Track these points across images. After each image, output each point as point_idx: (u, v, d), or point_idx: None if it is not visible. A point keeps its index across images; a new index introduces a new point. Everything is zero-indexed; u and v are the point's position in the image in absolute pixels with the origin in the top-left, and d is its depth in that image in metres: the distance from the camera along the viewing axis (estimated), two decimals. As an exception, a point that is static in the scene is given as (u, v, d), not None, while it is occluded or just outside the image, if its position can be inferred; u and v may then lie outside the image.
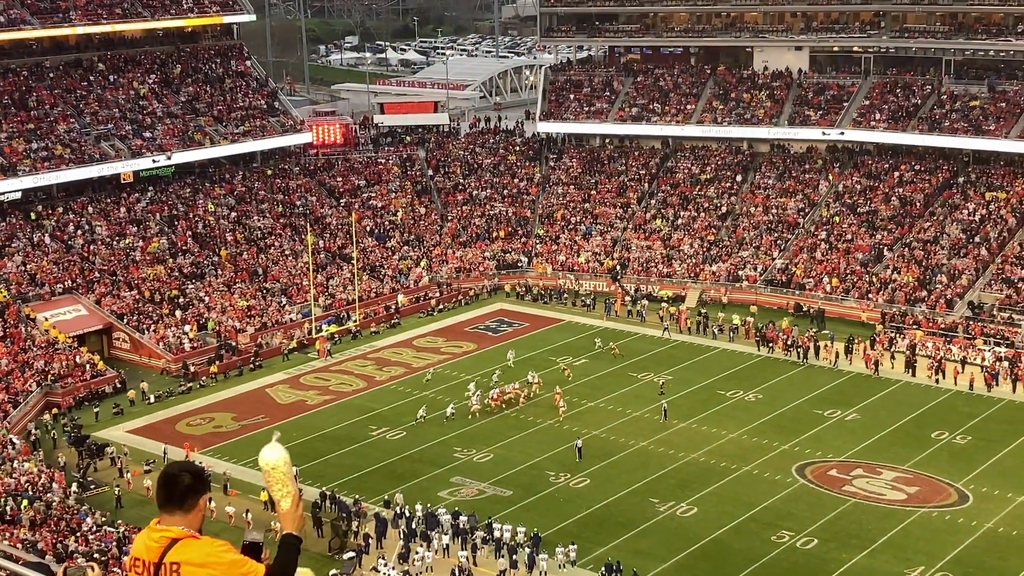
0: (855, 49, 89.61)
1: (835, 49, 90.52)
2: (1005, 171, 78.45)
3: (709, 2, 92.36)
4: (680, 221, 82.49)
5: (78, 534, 42.88)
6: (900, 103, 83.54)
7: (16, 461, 49.99)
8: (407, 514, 46.91)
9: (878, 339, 66.36)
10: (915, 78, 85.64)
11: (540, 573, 43.45)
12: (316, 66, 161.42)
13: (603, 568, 42.48)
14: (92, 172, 74.65)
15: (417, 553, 44.31)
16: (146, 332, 66.80)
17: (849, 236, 77.19)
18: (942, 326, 67.24)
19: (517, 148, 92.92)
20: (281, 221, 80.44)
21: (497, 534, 45.29)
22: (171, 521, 5.89)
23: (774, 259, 77.24)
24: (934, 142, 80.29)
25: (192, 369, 64.44)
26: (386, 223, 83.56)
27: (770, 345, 67.14)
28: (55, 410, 59.50)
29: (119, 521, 45.91)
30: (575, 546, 44.31)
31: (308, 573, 6.14)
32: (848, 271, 74.15)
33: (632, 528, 46.79)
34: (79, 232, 72.84)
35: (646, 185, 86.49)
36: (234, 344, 67.38)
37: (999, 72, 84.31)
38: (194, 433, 57.22)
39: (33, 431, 56.36)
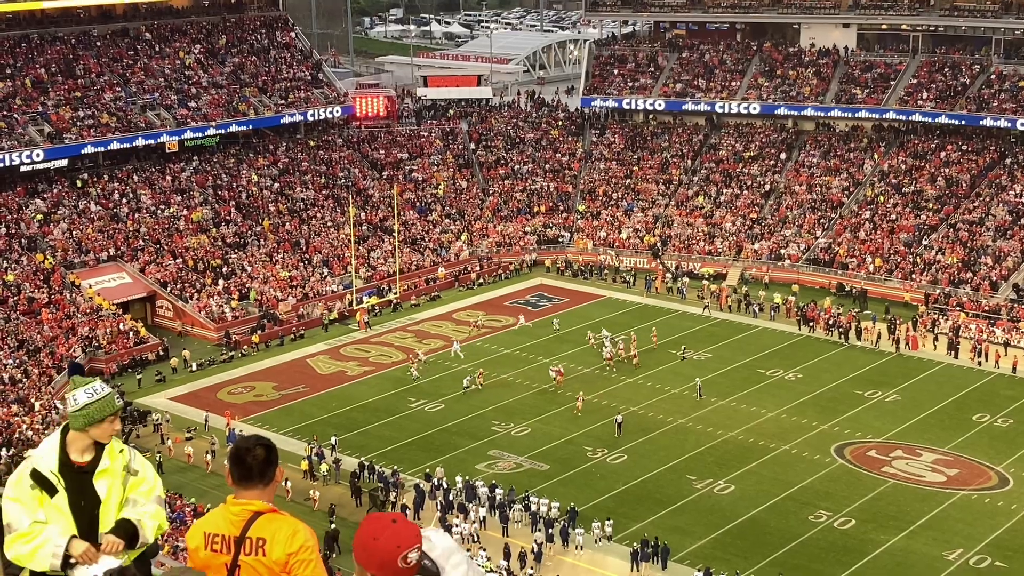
0: (903, 27, 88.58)
1: (883, 27, 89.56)
2: (1054, 152, 77.48)
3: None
4: (722, 198, 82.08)
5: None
6: (948, 82, 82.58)
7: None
8: (445, 486, 47.18)
9: (921, 320, 65.87)
10: (964, 57, 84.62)
11: (575, 547, 43.63)
12: (360, 38, 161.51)
13: (638, 543, 42.59)
14: (138, 141, 75.19)
15: (456, 525, 44.58)
16: (189, 301, 67.38)
17: (893, 216, 76.54)
18: (986, 308, 66.62)
19: (560, 123, 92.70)
20: (323, 192, 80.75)
21: (533, 508, 45.48)
22: (249, 495, 5.78)
23: (817, 238, 76.73)
24: (982, 121, 79.33)
25: (234, 338, 64.96)
26: (428, 196, 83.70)
27: (811, 324, 66.81)
28: (99, 377, 60.07)
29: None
30: (611, 521, 44.43)
31: None
32: (892, 251, 73.56)
33: (669, 505, 46.83)
34: (124, 201, 73.46)
35: (689, 162, 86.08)
36: (276, 314, 67.83)
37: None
38: (235, 401, 57.73)
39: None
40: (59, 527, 6.03)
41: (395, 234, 75.10)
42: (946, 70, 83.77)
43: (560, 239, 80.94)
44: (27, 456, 6.34)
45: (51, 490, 6.08)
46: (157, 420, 54.49)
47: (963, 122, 79.99)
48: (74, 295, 65.00)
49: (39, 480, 6.11)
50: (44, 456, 6.21)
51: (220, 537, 5.70)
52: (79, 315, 63.50)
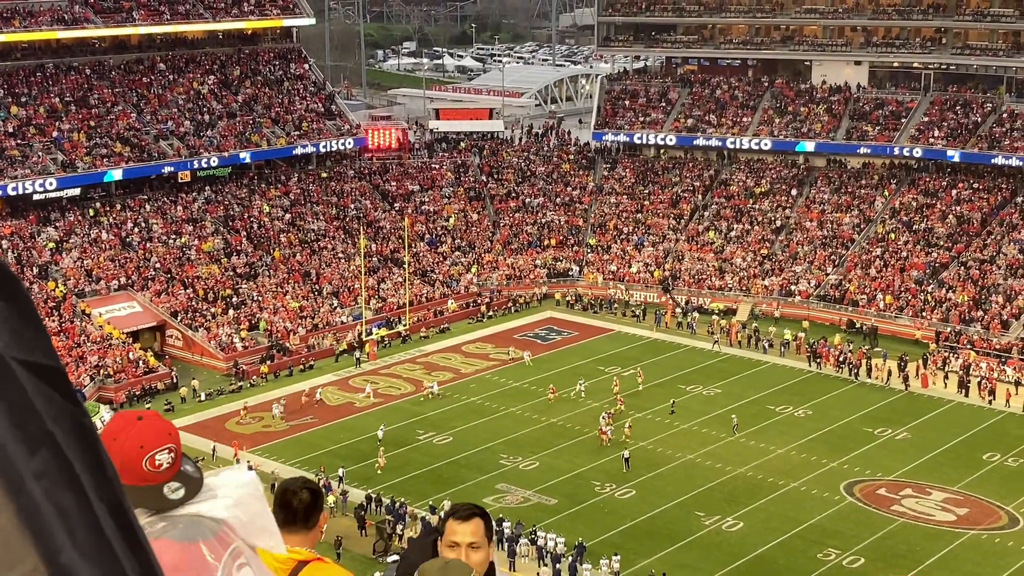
0: (915, 65, 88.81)
1: (895, 65, 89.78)
2: (1065, 192, 77.43)
3: (768, 14, 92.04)
4: (733, 234, 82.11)
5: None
6: (959, 120, 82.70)
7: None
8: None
9: (932, 358, 65.70)
10: (975, 96, 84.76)
11: (583, 583, 43.40)
12: (373, 71, 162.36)
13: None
14: (151, 170, 75.55)
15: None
16: (199, 330, 67.48)
17: (904, 253, 76.49)
18: (996, 347, 66.43)
19: (571, 156, 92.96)
20: (335, 224, 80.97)
21: (540, 542, 45.30)
22: (292, 541, 5.65)
23: (828, 274, 76.67)
24: (993, 160, 79.33)
25: (243, 368, 64.99)
26: (438, 228, 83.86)
27: (820, 361, 66.66)
28: (108, 405, 60.18)
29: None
30: (619, 557, 44.22)
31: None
32: (902, 288, 73.46)
33: (677, 541, 46.61)
34: (136, 230, 73.73)
35: (700, 196, 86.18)
36: (285, 344, 67.89)
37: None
38: (243, 432, 57.71)
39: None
40: None
41: (405, 266, 75.24)
42: (958, 108, 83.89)
43: (570, 272, 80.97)
44: None
45: None
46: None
47: (974, 160, 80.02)
48: (84, 324, 65.14)
49: None
50: None
51: None
52: (89, 343, 63.61)
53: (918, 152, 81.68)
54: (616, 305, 77.25)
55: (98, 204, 74.19)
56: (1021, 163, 78.05)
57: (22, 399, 2.05)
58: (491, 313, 75.98)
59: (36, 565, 1.98)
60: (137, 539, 2.13)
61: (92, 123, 76.11)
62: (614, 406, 59.03)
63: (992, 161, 79.38)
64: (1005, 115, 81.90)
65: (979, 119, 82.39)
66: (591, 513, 49.02)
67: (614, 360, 67.48)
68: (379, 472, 52.85)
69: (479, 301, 76.71)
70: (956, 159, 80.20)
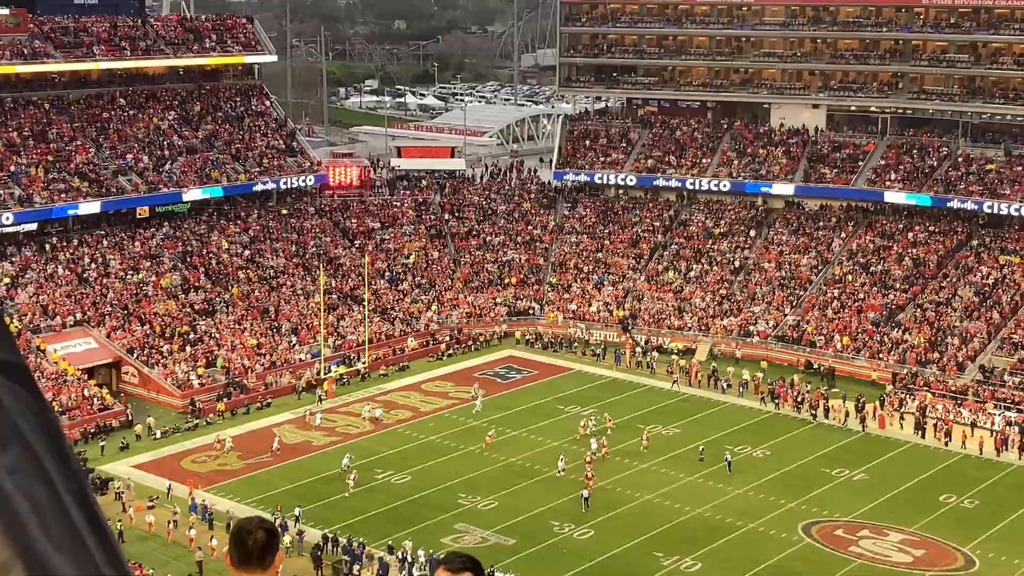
0: (872, 109, 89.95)
1: (852, 108, 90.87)
2: (1019, 235, 78.37)
3: (727, 58, 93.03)
4: (692, 274, 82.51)
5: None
6: (916, 164, 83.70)
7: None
8: (410, 559, 46.68)
9: (888, 400, 66.09)
10: (931, 139, 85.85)
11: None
12: (336, 108, 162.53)
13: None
14: (109, 206, 75.07)
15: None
16: (155, 367, 66.87)
17: (861, 295, 77.08)
18: (952, 388, 66.94)
19: (532, 195, 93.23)
20: (294, 260, 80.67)
21: (499, 583, 45.02)
22: None
23: (786, 315, 77.12)
24: (949, 204, 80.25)
25: (199, 406, 64.41)
26: (399, 266, 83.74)
27: (776, 402, 66.91)
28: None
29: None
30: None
31: None
32: (859, 330, 73.96)
33: (635, 582, 46.41)
34: (93, 265, 73.13)
35: (659, 236, 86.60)
36: (243, 382, 67.38)
37: (1015, 136, 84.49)
38: (199, 470, 57.10)
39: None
40: None
41: (365, 303, 74.98)
42: (914, 152, 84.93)
43: (531, 311, 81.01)
44: None
45: None
46: (119, 488, 53.77)
47: (931, 204, 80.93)
48: (39, 360, 64.40)
49: None
50: None
51: None
52: (44, 380, 62.84)
53: (899, 198, 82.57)
54: (576, 344, 77.29)
55: (55, 239, 73.57)
56: (976, 207, 79.02)
57: None
58: (451, 351, 75.80)
59: (12, 558, 1.96)
60: (104, 532, 2.12)
61: (51, 158, 75.58)
62: (593, 449, 58.73)
63: (948, 204, 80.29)
64: (960, 159, 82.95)
65: (935, 163, 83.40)
66: (550, 553, 48.79)
67: (574, 399, 67.43)
68: (349, 493, 53.67)
69: (439, 339, 76.54)
70: (912, 202, 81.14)
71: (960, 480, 57.30)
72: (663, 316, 78.59)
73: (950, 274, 77.06)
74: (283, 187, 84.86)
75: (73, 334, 67.54)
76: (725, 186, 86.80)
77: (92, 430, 60.78)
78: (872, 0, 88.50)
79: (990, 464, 59.57)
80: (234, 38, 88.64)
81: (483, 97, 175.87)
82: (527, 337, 78.30)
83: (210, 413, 64.26)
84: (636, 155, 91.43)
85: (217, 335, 70.97)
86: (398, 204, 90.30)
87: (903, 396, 66.50)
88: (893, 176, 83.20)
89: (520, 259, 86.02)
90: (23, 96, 78.48)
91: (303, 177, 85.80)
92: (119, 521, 50.17)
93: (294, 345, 72.17)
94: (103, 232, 75.83)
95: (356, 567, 46.61)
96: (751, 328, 76.35)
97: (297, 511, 51.17)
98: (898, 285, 77.23)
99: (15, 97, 78.18)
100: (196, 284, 75.00)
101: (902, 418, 64.62)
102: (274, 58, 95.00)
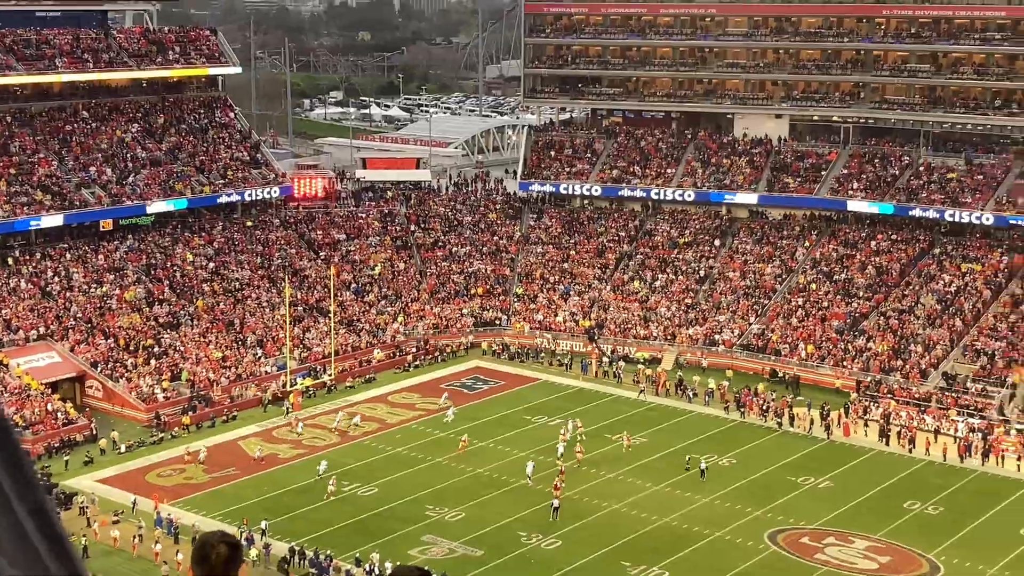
0: (834, 119, 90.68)
1: (815, 118, 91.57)
2: (981, 243, 79.15)
3: (691, 68, 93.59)
4: (658, 283, 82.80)
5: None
6: (878, 173, 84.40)
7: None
8: (378, 571, 46.56)
9: (853, 407, 66.51)
10: (893, 149, 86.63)
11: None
12: (300, 120, 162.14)
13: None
14: (72, 219, 74.58)
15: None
16: (119, 381, 66.42)
17: (825, 303, 77.59)
18: (916, 396, 67.46)
19: (497, 206, 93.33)
20: (259, 273, 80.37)
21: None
22: None
23: (750, 324, 77.51)
24: (911, 212, 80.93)
25: (164, 420, 64.02)
26: (364, 277, 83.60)
27: (741, 410, 67.21)
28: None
29: (85, 572, 45.30)
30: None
31: None
32: (823, 338, 74.43)
33: (603, 591, 46.47)
34: (56, 279, 72.60)
35: (625, 246, 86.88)
36: (208, 395, 67.03)
37: (976, 145, 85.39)
38: (164, 484, 56.75)
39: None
40: None
41: (331, 315, 74.79)
42: (876, 161, 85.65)
43: (497, 322, 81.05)
44: None
45: None
46: (83, 503, 53.36)
47: (893, 212, 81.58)
48: (2, 374, 63.84)
49: None
50: None
51: None
52: (7, 394, 62.29)
53: (861, 207, 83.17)
54: (543, 354, 77.39)
55: (17, 252, 73.01)
56: (938, 215, 79.73)
57: None
58: (417, 363, 75.72)
59: None
60: (62, 544, 2.08)
61: (13, 171, 75.02)
62: (560, 454, 59.24)
63: (910, 213, 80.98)
64: (922, 168, 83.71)
65: (897, 172, 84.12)
66: (517, 564, 48.78)
67: (541, 409, 67.49)
68: (332, 497, 54.50)
69: (405, 350, 76.45)
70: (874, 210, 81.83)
71: (924, 487, 57.73)
72: (629, 326, 78.81)
73: (913, 282, 77.69)
74: (248, 199, 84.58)
75: (36, 348, 67.00)
76: (689, 196, 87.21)
77: (56, 444, 60.32)
78: (834, 11, 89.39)
79: (954, 471, 60.03)
80: (198, 50, 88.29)
81: (448, 108, 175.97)
82: (494, 348, 78.31)
83: (175, 427, 63.89)
84: (601, 165, 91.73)
85: (182, 348, 70.59)
86: (363, 216, 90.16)
87: (867, 404, 66.96)
88: (856, 185, 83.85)
89: (486, 270, 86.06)
90: (-16, 109, 77.87)
91: (268, 189, 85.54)
92: (83, 536, 49.78)
93: (260, 358, 71.88)
94: (66, 245, 75.31)
95: (323, 580, 46.41)
96: (716, 337, 76.68)
97: (264, 524, 50.95)
98: (861, 293, 77.79)
99: (-24, 110, 77.60)
100: (160, 297, 74.59)
101: (866, 425, 65.06)
102: (238, 70, 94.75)
